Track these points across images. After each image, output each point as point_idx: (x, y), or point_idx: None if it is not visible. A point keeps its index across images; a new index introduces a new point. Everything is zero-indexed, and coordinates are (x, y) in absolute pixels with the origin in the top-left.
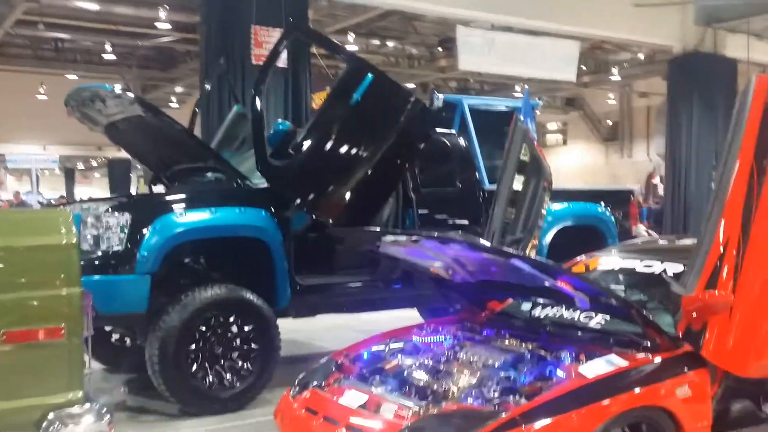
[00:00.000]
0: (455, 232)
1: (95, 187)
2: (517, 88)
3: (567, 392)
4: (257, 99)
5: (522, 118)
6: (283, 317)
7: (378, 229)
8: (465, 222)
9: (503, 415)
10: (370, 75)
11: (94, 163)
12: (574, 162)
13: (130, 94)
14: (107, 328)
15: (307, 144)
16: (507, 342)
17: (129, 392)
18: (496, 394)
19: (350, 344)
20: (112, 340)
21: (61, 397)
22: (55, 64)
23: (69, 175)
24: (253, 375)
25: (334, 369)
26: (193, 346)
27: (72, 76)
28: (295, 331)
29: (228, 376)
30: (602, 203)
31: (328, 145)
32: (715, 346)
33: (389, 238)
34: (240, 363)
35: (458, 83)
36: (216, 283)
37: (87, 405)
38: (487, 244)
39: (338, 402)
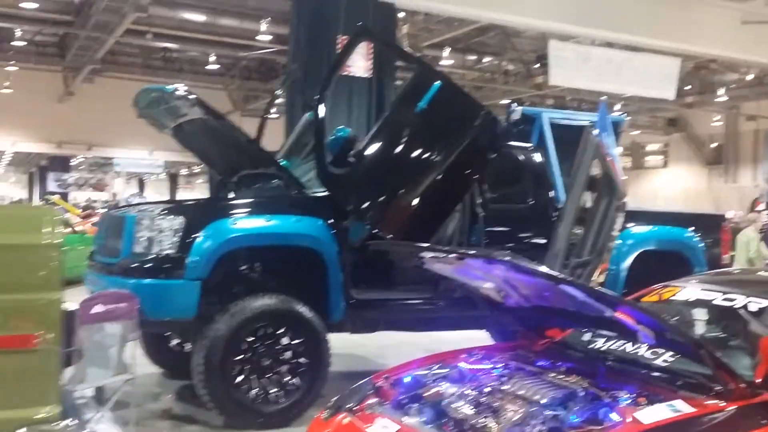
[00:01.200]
0: (501, 251)
1: (198, 192)
2: (617, 106)
3: None
4: (320, 106)
5: (596, 131)
6: (339, 332)
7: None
8: (542, 241)
9: None
10: (438, 82)
11: (196, 169)
12: (675, 185)
13: (192, 96)
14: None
15: (368, 152)
16: (561, 376)
17: (179, 399)
18: None
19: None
20: (171, 344)
21: (35, 412)
22: (162, 73)
23: (173, 180)
24: (300, 391)
25: (371, 392)
26: (240, 357)
27: (178, 85)
28: (359, 345)
29: (274, 390)
30: (690, 228)
31: (391, 154)
32: None
33: (428, 253)
34: (287, 377)
35: (555, 101)
36: (267, 292)
37: (65, 422)
38: (533, 266)
39: (367, 430)
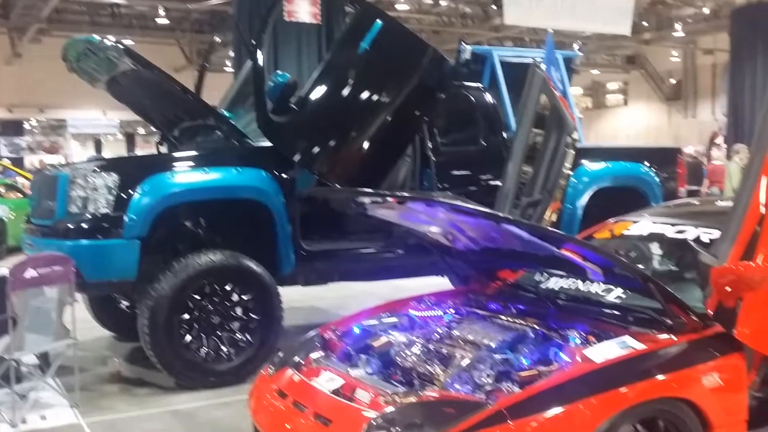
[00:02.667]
0: (442, 192)
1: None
2: (575, 45)
3: (566, 381)
4: (258, 51)
5: (543, 66)
6: (291, 285)
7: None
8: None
9: (488, 407)
10: (378, 22)
11: (153, 128)
12: (636, 123)
13: (120, 46)
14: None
15: (310, 97)
16: (511, 318)
17: (129, 362)
18: (489, 380)
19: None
20: (120, 306)
21: None
22: (111, 30)
23: (130, 140)
24: (252, 347)
25: (318, 345)
26: (187, 316)
27: (128, 41)
28: (319, 298)
29: (225, 348)
30: (645, 163)
31: (334, 99)
32: (751, 326)
33: (368, 199)
34: (239, 334)
35: (514, 42)
36: (212, 249)
37: None
38: (474, 206)
39: (311, 384)
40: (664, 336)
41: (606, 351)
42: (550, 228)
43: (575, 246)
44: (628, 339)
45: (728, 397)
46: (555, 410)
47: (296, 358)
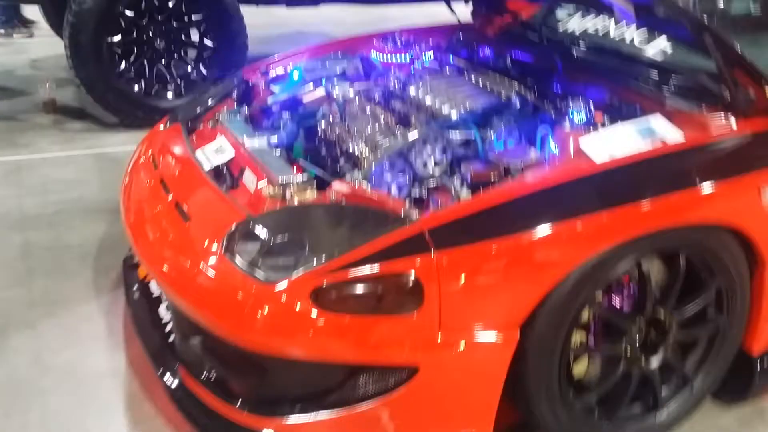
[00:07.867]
0: None
1: None
2: None
3: (536, 192)
4: None
5: None
6: (272, 4)
7: None
8: None
9: (406, 223)
10: None
11: None
12: None
13: None
14: None
15: None
16: (499, 75)
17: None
18: (435, 172)
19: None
20: None
21: None
22: None
23: None
24: (207, 82)
25: (234, 93)
26: (119, 38)
27: None
28: (303, 24)
29: (173, 81)
30: None
31: None
32: None
33: None
34: (189, 66)
35: None
36: None
37: None
38: None
39: (192, 156)
40: (716, 119)
41: (618, 143)
42: None
43: None
44: (656, 121)
45: None
46: (504, 240)
47: (199, 110)
